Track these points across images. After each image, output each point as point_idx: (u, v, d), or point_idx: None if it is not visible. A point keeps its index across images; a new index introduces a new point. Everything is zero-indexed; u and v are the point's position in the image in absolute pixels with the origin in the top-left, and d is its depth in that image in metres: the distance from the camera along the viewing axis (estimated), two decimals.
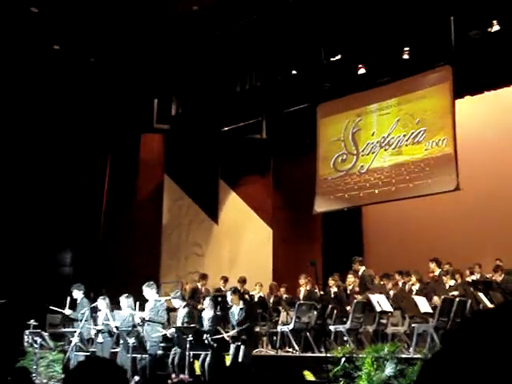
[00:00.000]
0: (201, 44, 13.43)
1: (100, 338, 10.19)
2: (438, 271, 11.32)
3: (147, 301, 10.17)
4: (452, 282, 10.40)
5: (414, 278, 11.01)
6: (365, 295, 10.79)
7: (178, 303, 10.33)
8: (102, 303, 10.33)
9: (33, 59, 13.38)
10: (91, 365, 2.67)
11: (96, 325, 10.35)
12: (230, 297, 9.71)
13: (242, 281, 12.91)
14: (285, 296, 12.46)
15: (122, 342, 9.80)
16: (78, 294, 10.97)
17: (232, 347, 9.45)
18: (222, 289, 12.57)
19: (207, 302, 10.18)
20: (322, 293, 12.37)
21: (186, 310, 10.19)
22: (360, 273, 11.74)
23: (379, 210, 14.87)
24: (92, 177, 14.84)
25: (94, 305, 10.61)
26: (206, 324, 9.86)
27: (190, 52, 13.72)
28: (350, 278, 11.57)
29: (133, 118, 14.82)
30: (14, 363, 3.98)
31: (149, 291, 10.17)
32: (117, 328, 9.94)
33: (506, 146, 13.53)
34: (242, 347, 9.35)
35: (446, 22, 11.48)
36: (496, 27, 11.18)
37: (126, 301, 10.19)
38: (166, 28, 13.05)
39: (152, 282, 10.42)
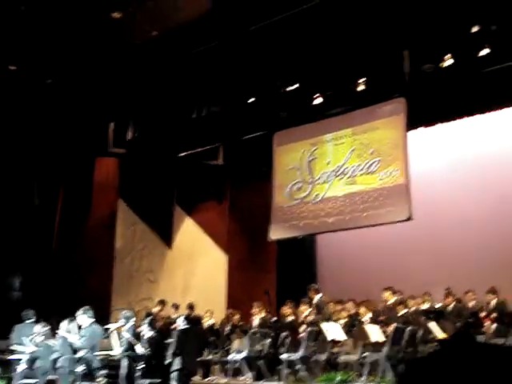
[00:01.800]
0: (159, 69, 13.42)
1: (37, 364, 9.96)
2: (392, 299, 11.39)
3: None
4: (403, 311, 10.50)
5: (363, 308, 11.10)
6: (317, 323, 10.80)
7: (146, 330, 10.03)
8: (39, 328, 10.15)
9: None
10: None
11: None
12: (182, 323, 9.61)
13: (190, 307, 12.84)
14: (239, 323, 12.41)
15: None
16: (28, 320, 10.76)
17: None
18: (173, 316, 12.44)
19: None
20: (275, 320, 12.35)
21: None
22: (315, 301, 11.79)
23: (334, 238, 14.97)
24: (45, 200, 14.58)
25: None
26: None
27: (148, 77, 13.69)
28: (303, 307, 11.58)
29: (88, 141, 14.66)
30: None
31: (83, 318, 9.93)
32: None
33: (457, 177, 13.82)
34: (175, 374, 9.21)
35: (400, 56, 11.77)
36: (449, 61, 11.47)
37: (65, 325, 9.94)
38: (124, 52, 13.02)
39: (88, 307, 10.17)
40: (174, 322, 11.84)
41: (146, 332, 9.80)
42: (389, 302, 11.39)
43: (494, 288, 11.01)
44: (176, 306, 13.01)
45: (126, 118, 14.79)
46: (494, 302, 10.94)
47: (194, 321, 9.99)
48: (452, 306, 11.35)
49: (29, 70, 13.44)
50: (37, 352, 10.03)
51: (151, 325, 9.61)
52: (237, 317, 12.65)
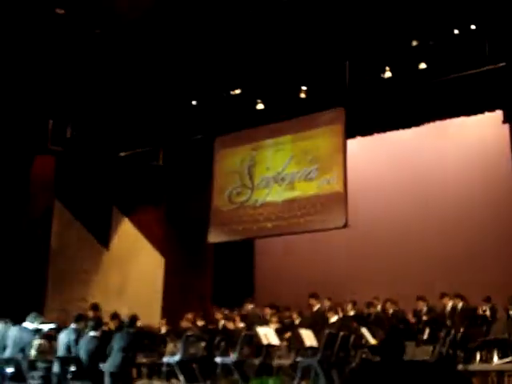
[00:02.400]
0: (101, 68, 13.27)
1: None
2: (317, 306, 11.52)
3: None
4: (335, 318, 10.67)
5: (294, 314, 11.28)
6: (252, 328, 10.88)
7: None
8: None
9: None
10: None
11: None
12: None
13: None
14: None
15: None
16: None
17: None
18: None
19: None
20: (209, 324, 12.39)
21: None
22: (248, 310, 11.95)
23: (272, 243, 15.13)
24: None
25: None
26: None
27: (90, 74, 13.51)
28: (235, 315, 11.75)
29: (27, 138, 14.34)
30: None
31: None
32: None
33: (392, 185, 14.20)
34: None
35: (342, 67, 12.02)
36: (388, 73, 11.78)
37: None
38: (65, 48, 12.82)
39: (35, 314, 10.01)
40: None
41: (86, 334, 9.67)
42: (315, 308, 11.51)
43: (423, 296, 11.42)
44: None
45: (65, 116, 14.54)
46: (424, 309, 11.36)
47: (132, 322, 9.82)
48: (375, 313, 11.70)
49: None
50: None
51: (94, 328, 9.48)
52: (163, 321, 12.74)
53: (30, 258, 14.11)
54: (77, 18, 12.00)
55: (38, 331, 9.92)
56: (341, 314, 10.89)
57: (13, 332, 9.69)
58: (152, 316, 13.78)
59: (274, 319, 11.49)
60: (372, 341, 10.68)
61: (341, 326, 10.55)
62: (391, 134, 13.01)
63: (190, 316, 12.83)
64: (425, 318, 11.30)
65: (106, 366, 8.98)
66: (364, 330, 10.88)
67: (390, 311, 11.77)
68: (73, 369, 8.98)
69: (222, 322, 11.68)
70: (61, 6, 11.78)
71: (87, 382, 9.22)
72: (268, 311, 12.38)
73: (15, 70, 13.30)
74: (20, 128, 14.27)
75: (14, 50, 12.67)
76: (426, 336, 10.81)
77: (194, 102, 13.85)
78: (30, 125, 14.38)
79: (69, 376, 9.01)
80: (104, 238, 15.35)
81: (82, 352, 9.04)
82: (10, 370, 9.29)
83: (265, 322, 11.49)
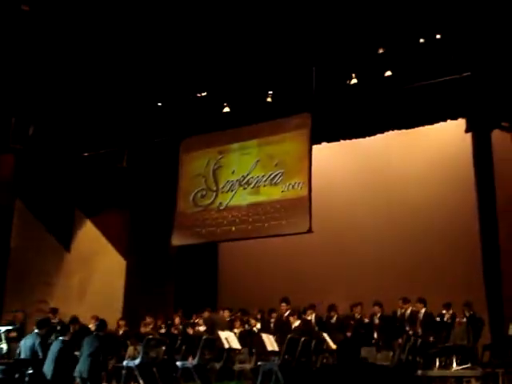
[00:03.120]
0: (66, 66, 13.08)
1: None
2: (288, 311, 11.60)
3: None
4: (297, 323, 10.71)
5: (252, 320, 11.32)
6: (214, 332, 10.85)
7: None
8: None
9: None
10: None
11: None
12: None
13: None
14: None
15: None
16: None
17: None
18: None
19: None
20: (169, 327, 12.33)
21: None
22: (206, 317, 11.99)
23: (236, 247, 15.09)
24: None
25: None
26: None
27: (55, 72, 13.31)
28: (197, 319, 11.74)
29: None
30: None
31: None
32: None
33: (357, 191, 14.30)
34: None
35: (309, 72, 12.04)
36: (354, 80, 11.86)
37: None
38: (27, 47, 12.62)
39: None
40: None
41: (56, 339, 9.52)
42: (285, 314, 11.58)
43: (379, 301, 11.57)
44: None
45: (28, 114, 14.27)
46: (378, 314, 11.51)
47: (102, 327, 9.68)
48: (335, 318, 11.79)
49: None
50: None
51: (62, 332, 9.35)
52: (122, 322, 12.62)
53: None
54: (40, 15, 11.83)
55: None
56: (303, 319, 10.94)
57: None
58: (113, 318, 13.58)
59: (237, 324, 11.47)
60: (333, 345, 10.73)
61: (302, 330, 10.58)
62: (357, 140, 13.08)
63: (148, 320, 12.76)
64: (377, 322, 11.45)
65: (77, 372, 8.86)
66: (325, 335, 10.94)
67: (357, 316, 11.83)
68: (30, 371, 8.84)
69: (180, 327, 11.62)
70: (25, 2, 11.62)
71: None
72: (227, 314, 12.41)
73: None
74: None
75: None
76: (374, 341, 10.95)
77: (159, 104, 13.74)
78: None
79: (26, 379, 8.86)
80: (65, 239, 15.12)
81: (51, 355, 8.89)
82: None
83: (229, 327, 11.47)
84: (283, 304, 11.79)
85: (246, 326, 11.63)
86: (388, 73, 11.50)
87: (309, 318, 11.71)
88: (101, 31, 12.08)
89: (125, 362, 10.89)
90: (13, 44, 12.36)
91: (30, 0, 11.54)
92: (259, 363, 10.12)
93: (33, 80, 13.49)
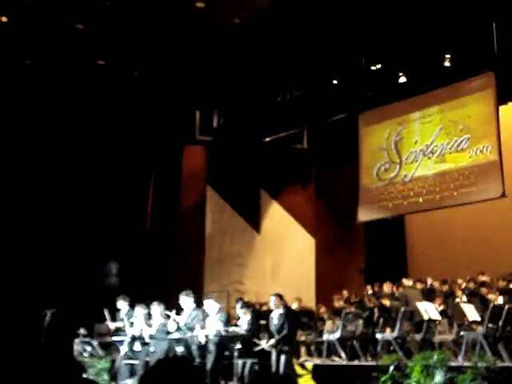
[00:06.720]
0: (242, 55, 13.57)
1: (137, 347, 10.25)
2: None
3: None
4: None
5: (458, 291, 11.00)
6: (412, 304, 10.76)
7: (240, 311, 10.24)
8: (140, 311, 10.38)
9: (79, 74, 13.69)
10: (169, 364, 2.77)
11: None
12: (272, 300, 9.70)
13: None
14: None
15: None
16: (123, 304, 11.11)
17: (273, 355, 9.44)
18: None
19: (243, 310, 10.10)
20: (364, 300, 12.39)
21: (249, 317, 10.08)
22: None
23: (423, 218, 14.79)
24: (137, 189, 15.07)
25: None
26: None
27: (232, 63, 13.87)
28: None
29: (175, 130, 15.02)
30: (81, 374, 4.03)
31: (186, 300, 10.14)
32: (151, 336, 10.00)
33: None
34: (283, 356, 9.35)
35: (488, 29, 11.42)
36: None
37: (158, 308, 10.18)
38: (207, 40, 13.22)
39: (190, 291, 10.40)
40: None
41: (241, 315, 10.01)
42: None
43: None
44: None
45: (211, 106, 15.03)
46: None
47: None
48: None
49: (116, 64, 13.85)
50: (136, 334, 10.35)
51: (248, 307, 9.82)
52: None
53: (187, 244, 14.77)
54: (217, 9, 12.35)
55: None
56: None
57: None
58: (306, 297, 13.96)
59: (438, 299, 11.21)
60: None
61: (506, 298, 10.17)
62: None
63: (342, 294, 12.92)
64: None
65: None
66: None
67: None
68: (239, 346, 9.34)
69: (383, 299, 11.63)
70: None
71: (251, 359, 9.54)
72: (419, 286, 12.23)
73: (161, 65, 13.94)
74: (169, 121, 14.96)
75: (160, 46, 13.26)
76: None
77: (334, 81, 13.77)
78: (179, 117, 15.03)
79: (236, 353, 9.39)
80: (255, 221, 15.74)
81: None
82: (180, 349, 9.78)
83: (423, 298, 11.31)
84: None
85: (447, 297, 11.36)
86: None
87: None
88: (271, 18, 12.38)
89: (325, 337, 11.12)
90: (192, 42, 13.04)
91: None
92: (462, 333, 9.87)
93: (213, 74, 14.15)
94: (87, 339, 10.94)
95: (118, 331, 10.96)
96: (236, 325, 10.13)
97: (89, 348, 10.74)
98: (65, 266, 13.70)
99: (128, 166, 14.94)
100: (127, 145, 14.79)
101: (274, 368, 9.37)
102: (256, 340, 9.82)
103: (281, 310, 9.55)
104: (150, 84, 14.39)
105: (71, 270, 13.73)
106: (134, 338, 10.33)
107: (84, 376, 5.84)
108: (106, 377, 11.01)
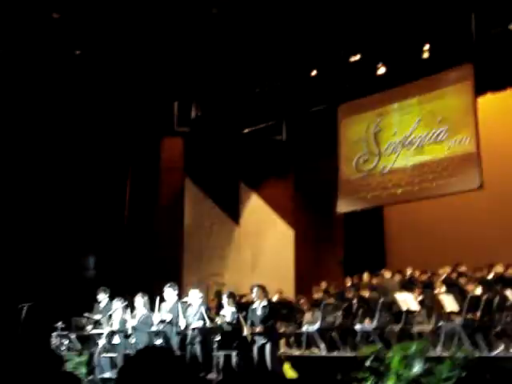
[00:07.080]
0: (220, 46, 13.46)
1: (116, 339, 10.17)
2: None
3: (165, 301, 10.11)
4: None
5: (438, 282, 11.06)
6: (390, 294, 10.79)
7: (225, 302, 10.17)
8: (118, 304, 10.32)
9: (54, 65, 13.49)
10: (149, 354, 2.71)
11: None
12: (255, 292, 9.62)
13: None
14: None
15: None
16: (103, 297, 11.03)
17: (255, 347, 9.39)
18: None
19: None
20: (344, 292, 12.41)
21: (233, 309, 10.00)
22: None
23: (401, 209, 14.84)
24: (114, 181, 14.92)
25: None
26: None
27: (210, 54, 13.76)
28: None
29: (153, 121, 14.89)
30: (59, 367, 3.96)
31: (170, 292, 10.09)
32: (133, 328, 9.93)
33: None
34: (268, 347, 9.30)
35: (467, 20, 11.46)
36: None
37: (141, 300, 10.12)
38: (184, 31, 13.10)
39: (174, 283, 10.36)
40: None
41: (226, 305, 9.96)
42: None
43: None
44: None
45: (189, 97, 14.93)
46: None
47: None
48: None
49: (92, 55, 13.67)
50: (115, 327, 10.28)
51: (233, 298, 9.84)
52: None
53: (165, 236, 14.68)
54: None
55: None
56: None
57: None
58: (286, 288, 13.94)
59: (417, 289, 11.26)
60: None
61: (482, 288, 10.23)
62: None
63: (321, 285, 12.93)
64: None
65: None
66: (508, 293, 10.48)
67: None
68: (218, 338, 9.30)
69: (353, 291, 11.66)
70: None
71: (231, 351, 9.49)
72: (397, 278, 12.28)
73: (140, 57, 13.78)
74: (147, 112, 14.82)
75: (138, 36, 13.11)
76: None
77: (313, 73, 13.74)
78: (157, 109, 14.90)
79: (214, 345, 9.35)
80: (234, 213, 15.69)
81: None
82: (159, 341, 9.72)
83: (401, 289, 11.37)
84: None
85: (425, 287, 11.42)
86: None
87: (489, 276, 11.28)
88: (249, 8, 12.30)
89: (304, 328, 11.13)
90: (171, 30, 12.90)
91: None
92: (440, 324, 9.92)
93: (191, 65, 14.02)
94: (65, 332, 10.83)
95: (97, 324, 10.89)
96: (218, 314, 10.09)
97: (66, 341, 10.62)
98: (42, 260, 13.57)
99: (105, 158, 14.77)
100: (104, 136, 14.62)
101: (255, 360, 9.32)
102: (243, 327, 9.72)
103: (264, 302, 9.50)
104: (128, 75, 14.23)
105: (49, 263, 13.60)
106: (112, 332, 10.25)
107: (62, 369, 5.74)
108: (83, 370, 10.90)
